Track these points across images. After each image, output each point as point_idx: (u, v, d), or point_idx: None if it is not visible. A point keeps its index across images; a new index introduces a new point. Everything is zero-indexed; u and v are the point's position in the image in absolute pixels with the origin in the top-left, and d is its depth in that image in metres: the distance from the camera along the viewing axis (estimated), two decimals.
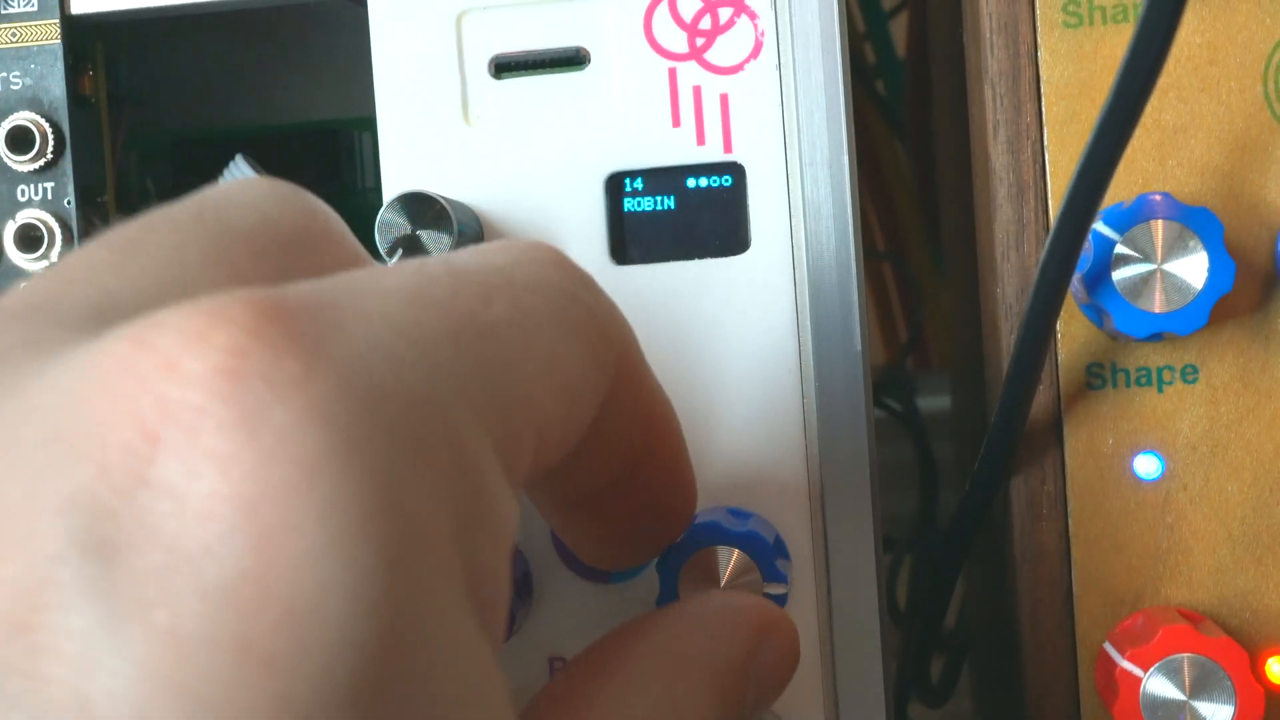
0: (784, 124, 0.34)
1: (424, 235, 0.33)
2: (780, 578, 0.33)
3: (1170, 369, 0.32)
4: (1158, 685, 0.30)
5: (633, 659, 0.26)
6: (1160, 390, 0.32)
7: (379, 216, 0.33)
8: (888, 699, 0.35)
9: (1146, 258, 0.30)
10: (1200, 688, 0.30)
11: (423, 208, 0.33)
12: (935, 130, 0.63)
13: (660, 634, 0.27)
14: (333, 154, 0.47)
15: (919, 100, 0.65)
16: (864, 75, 0.67)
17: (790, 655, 0.28)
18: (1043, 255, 0.29)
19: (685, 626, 0.27)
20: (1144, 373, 0.32)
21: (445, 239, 0.33)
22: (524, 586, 0.35)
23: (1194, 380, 0.32)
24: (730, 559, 0.32)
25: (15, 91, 0.37)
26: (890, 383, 0.67)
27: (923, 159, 0.67)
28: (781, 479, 0.35)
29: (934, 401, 0.65)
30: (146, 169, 0.46)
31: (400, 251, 0.33)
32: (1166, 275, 0.30)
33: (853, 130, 0.35)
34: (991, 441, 0.32)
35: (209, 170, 0.42)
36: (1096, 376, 0.33)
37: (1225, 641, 0.30)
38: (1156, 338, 0.31)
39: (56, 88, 0.37)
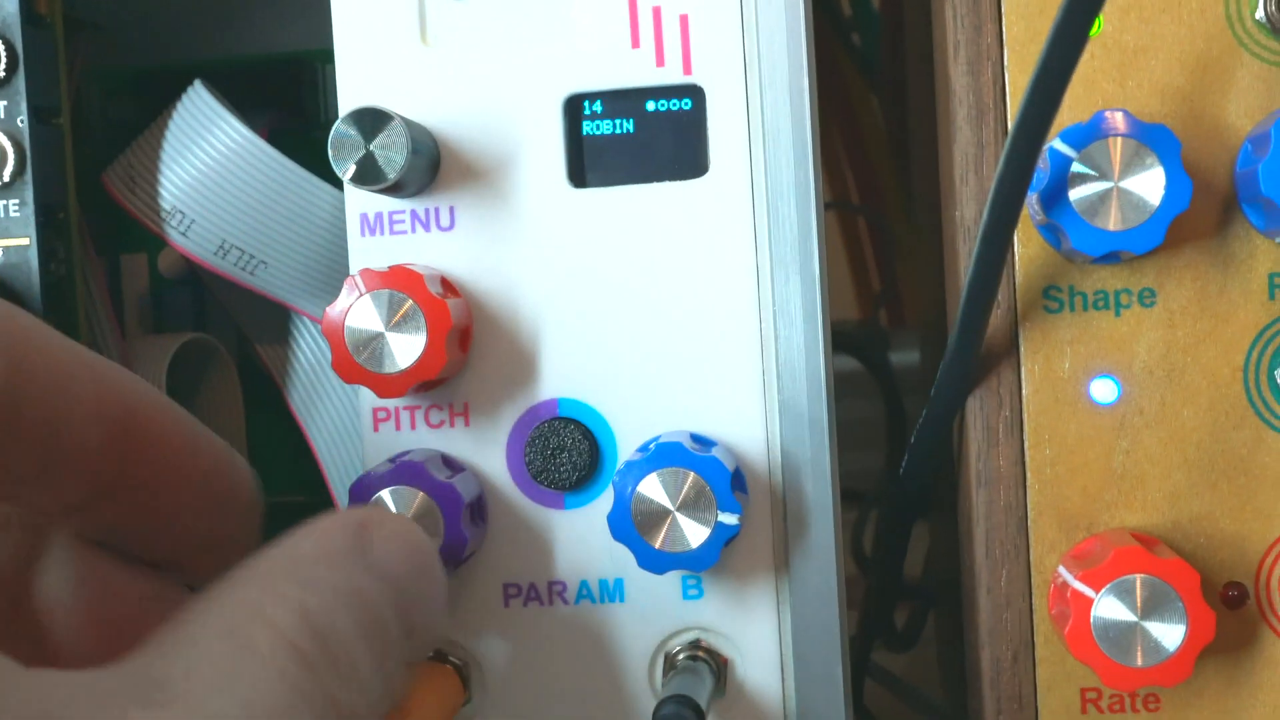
0: (744, 46, 0.34)
1: (378, 153, 0.33)
2: (734, 507, 0.32)
3: (1128, 292, 0.32)
4: (1109, 607, 0.30)
5: (224, 585, 0.25)
6: (1118, 314, 0.32)
7: (333, 130, 0.33)
8: (843, 639, 0.35)
9: (1103, 175, 0.30)
10: (1151, 609, 0.30)
11: (378, 123, 0.33)
12: (908, 83, 0.63)
13: (268, 551, 0.27)
14: (296, 86, 0.46)
15: (894, 53, 0.65)
16: (840, 28, 0.67)
17: (406, 545, 0.28)
18: (998, 170, 0.29)
19: (281, 542, 0.27)
20: (1101, 296, 0.32)
21: (399, 158, 0.33)
22: (478, 512, 0.34)
23: (1151, 304, 0.32)
24: (685, 481, 0.32)
25: None
26: (862, 337, 0.67)
27: (898, 113, 0.67)
28: (739, 407, 0.34)
29: (907, 357, 0.65)
30: (108, 100, 0.45)
31: (354, 169, 0.33)
32: (1123, 193, 0.30)
33: (813, 54, 0.34)
34: (948, 363, 0.32)
35: (169, 101, 0.42)
36: (1054, 299, 0.32)
37: (1177, 562, 0.30)
38: (1113, 258, 0.31)
39: (9, 4, 0.37)
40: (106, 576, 0.31)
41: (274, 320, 0.44)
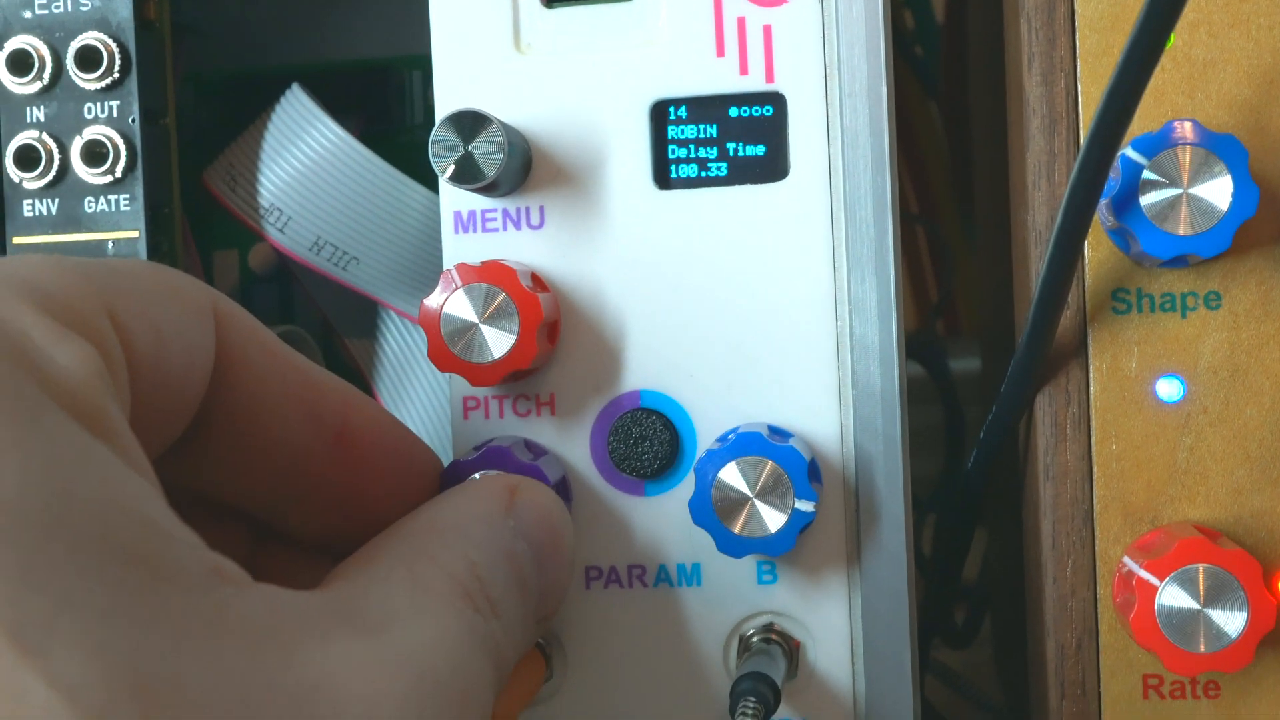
0: (824, 55, 0.36)
1: (476, 152, 0.34)
2: (810, 495, 0.34)
3: (1194, 295, 0.33)
4: (1173, 595, 0.31)
5: (395, 535, 0.28)
6: (1184, 316, 0.33)
7: (433, 134, 0.34)
8: (912, 627, 0.36)
9: (1173, 182, 0.31)
10: (1214, 597, 0.31)
11: (475, 125, 0.34)
12: (971, 98, 0.64)
13: (430, 508, 0.29)
14: (383, 92, 0.48)
15: (955, 66, 0.66)
16: (902, 40, 0.68)
17: (548, 511, 0.31)
18: (1071, 177, 0.30)
19: (442, 500, 0.29)
20: (1169, 298, 0.33)
21: (498, 156, 0.34)
22: (563, 493, 0.36)
23: (1217, 306, 0.33)
24: (764, 469, 0.34)
25: (84, 12, 0.39)
26: (922, 344, 0.68)
27: (957, 125, 0.68)
28: (815, 401, 0.36)
29: (963, 365, 0.66)
30: (202, 102, 0.47)
31: (453, 169, 0.34)
32: (1192, 199, 0.31)
33: (891, 62, 0.36)
34: (1018, 362, 0.33)
35: (262, 104, 0.44)
36: (1122, 301, 0.34)
37: (1239, 553, 0.31)
38: (1181, 262, 0.32)
39: (124, 9, 0.39)
40: (266, 557, 0.33)
41: (362, 315, 0.46)
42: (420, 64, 0.48)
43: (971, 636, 0.55)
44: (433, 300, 0.35)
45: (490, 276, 0.35)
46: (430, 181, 0.41)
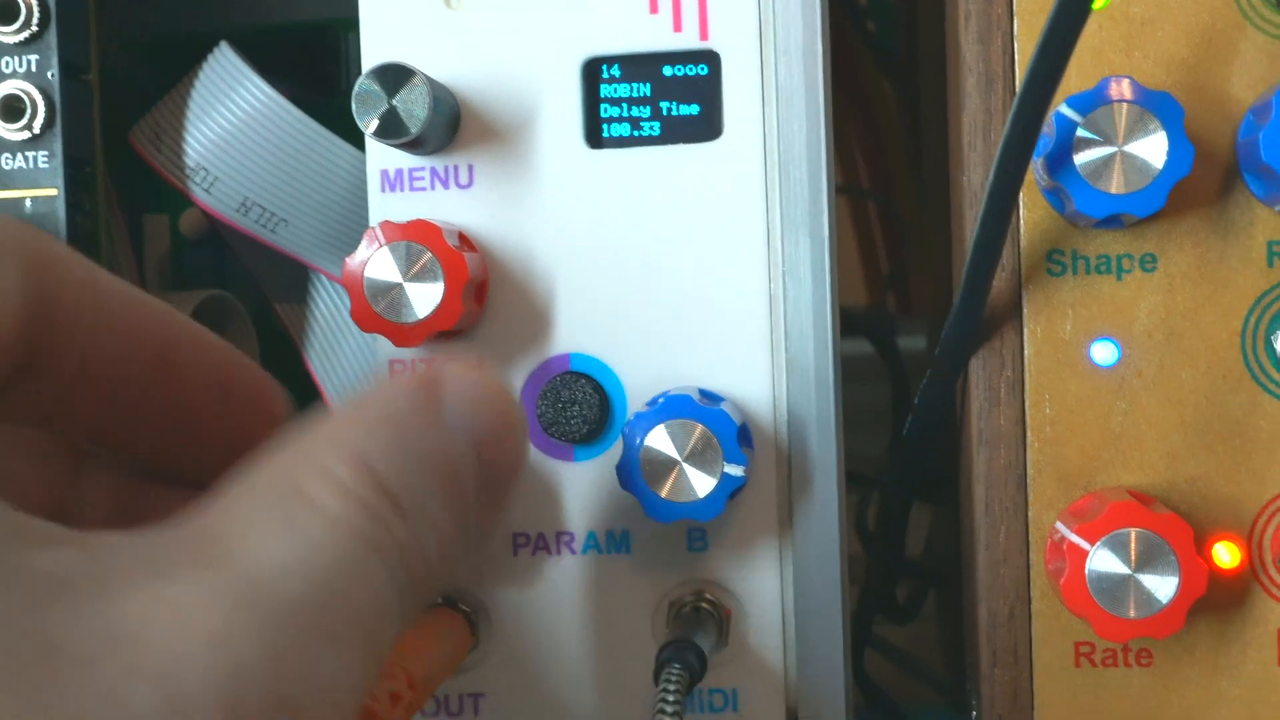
0: (759, 12, 0.35)
1: (401, 107, 0.34)
2: (740, 460, 0.33)
3: (1129, 257, 0.33)
4: (1104, 559, 0.31)
5: (273, 452, 0.24)
6: (1119, 278, 0.33)
7: (356, 86, 0.34)
8: (844, 594, 0.36)
9: (1107, 140, 0.30)
10: (1145, 562, 0.31)
11: (400, 78, 0.33)
12: (920, 71, 0.64)
13: (314, 423, 0.25)
14: (319, 54, 0.47)
15: (908, 40, 0.66)
16: (855, 14, 0.68)
17: (485, 397, 0.26)
18: (1004, 132, 0.29)
19: (338, 409, 0.26)
20: (1104, 260, 0.33)
21: (423, 111, 0.33)
22: None
23: (1152, 269, 0.33)
24: (694, 433, 0.33)
25: None
26: (871, 320, 0.68)
27: (911, 99, 0.67)
28: (747, 365, 0.35)
29: (914, 343, 0.65)
30: (136, 63, 0.46)
31: (377, 124, 0.34)
32: (1127, 157, 0.30)
33: (828, 20, 0.35)
34: (953, 323, 0.33)
35: (193, 67, 0.42)
36: (1057, 263, 0.33)
37: (1171, 517, 0.31)
38: (1116, 222, 0.32)
39: None
40: (147, 502, 0.31)
41: (293, 279, 0.45)
42: (355, 26, 0.47)
43: (914, 612, 0.54)
44: (356, 258, 0.34)
45: (415, 235, 0.34)
46: (362, 144, 0.40)
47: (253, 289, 0.47)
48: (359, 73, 0.45)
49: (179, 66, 0.43)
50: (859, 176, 0.70)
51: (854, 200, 0.71)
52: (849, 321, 0.65)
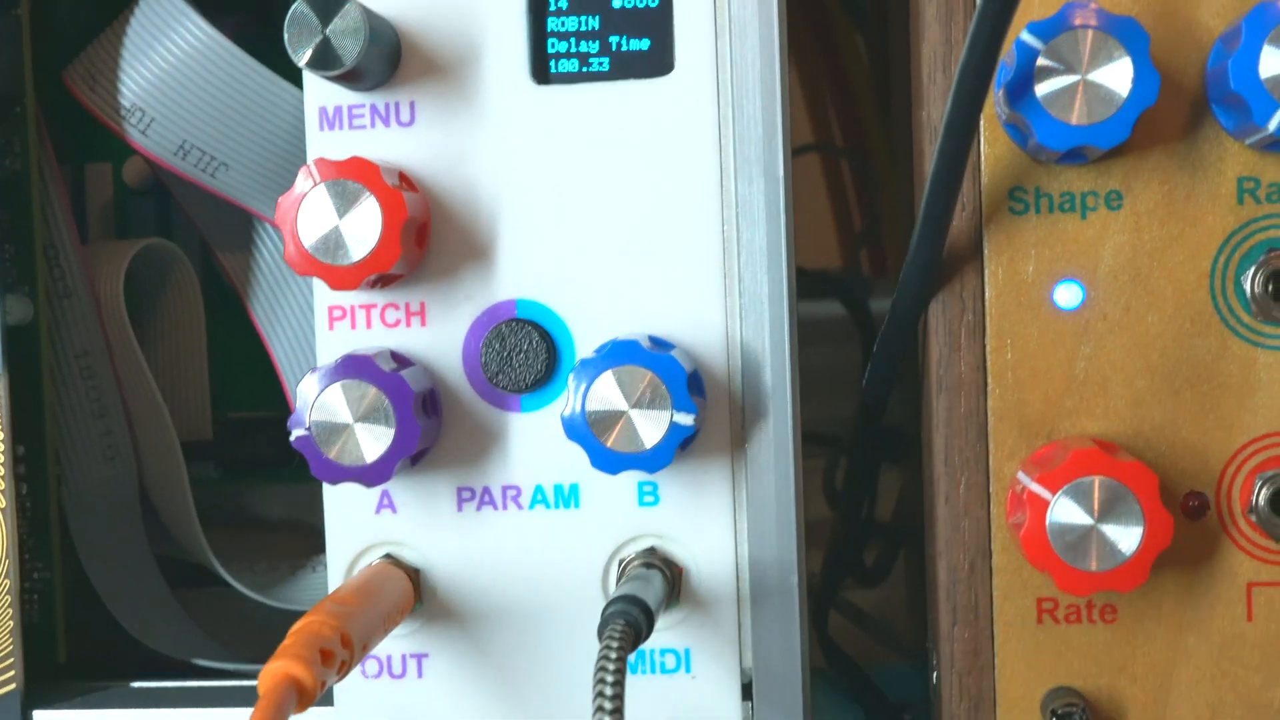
0: None
1: (334, 39, 0.32)
2: (690, 408, 0.32)
3: (1094, 194, 0.32)
4: (1066, 509, 0.29)
5: None
6: (1084, 216, 0.32)
7: (290, 10, 0.32)
8: (799, 547, 0.34)
9: (1070, 68, 0.29)
10: (1109, 511, 0.29)
11: (333, 6, 0.32)
12: (890, 25, 0.62)
13: None
14: None
15: None
16: None
17: None
18: (961, 58, 0.28)
19: None
20: (1067, 198, 0.32)
21: (358, 41, 0.32)
22: (430, 405, 0.34)
23: (1118, 207, 0.32)
24: (642, 380, 0.32)
25: None
26: (843, 281, 0.66)
27: (882, 53, 0.66)
28: (700, 310, 0.34)
29: (888, 305, 0.64)
30: (71, 3, 0.45)
31: (309, 54, 0.32)
32: (1090, 85, 0.29)
33: None
34: (910, 264, 0.32)
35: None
36: (1019, 201, 0.32)
37: (1136, 465, 0.29)
38: (1079, 156, 0.30)
39: None
40: None
41: (236, 227, 0.43)
42: None
43: (883, 575, 0.53)
44: (290, 197, 0.32)
45: (352, 172, 0.32)
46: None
47: (198, 241, 0.45)
48: None
49: (116, 3, 0.42)
50: (832, 134, 0.68)
51: (827, 159, 0.70)
52: (820, 282, 0.64)
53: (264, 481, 0.47)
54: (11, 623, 0.37)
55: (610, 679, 0.28)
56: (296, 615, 0.41)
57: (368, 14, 0.32)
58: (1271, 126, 0.29)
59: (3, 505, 0.36)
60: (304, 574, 0.43)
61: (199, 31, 0.39)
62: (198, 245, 0.45)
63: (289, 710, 0.28)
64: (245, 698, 0.38)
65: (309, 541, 0.46)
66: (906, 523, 0.53)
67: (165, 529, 0.43)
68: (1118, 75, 0.29)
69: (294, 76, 0.39)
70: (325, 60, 0.32)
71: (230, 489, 0.47)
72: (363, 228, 0.32)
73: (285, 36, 0.32)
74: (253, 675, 0.38)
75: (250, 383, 0.45)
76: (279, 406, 0.45)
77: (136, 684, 0.39)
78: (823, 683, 0.46)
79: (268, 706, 0.28)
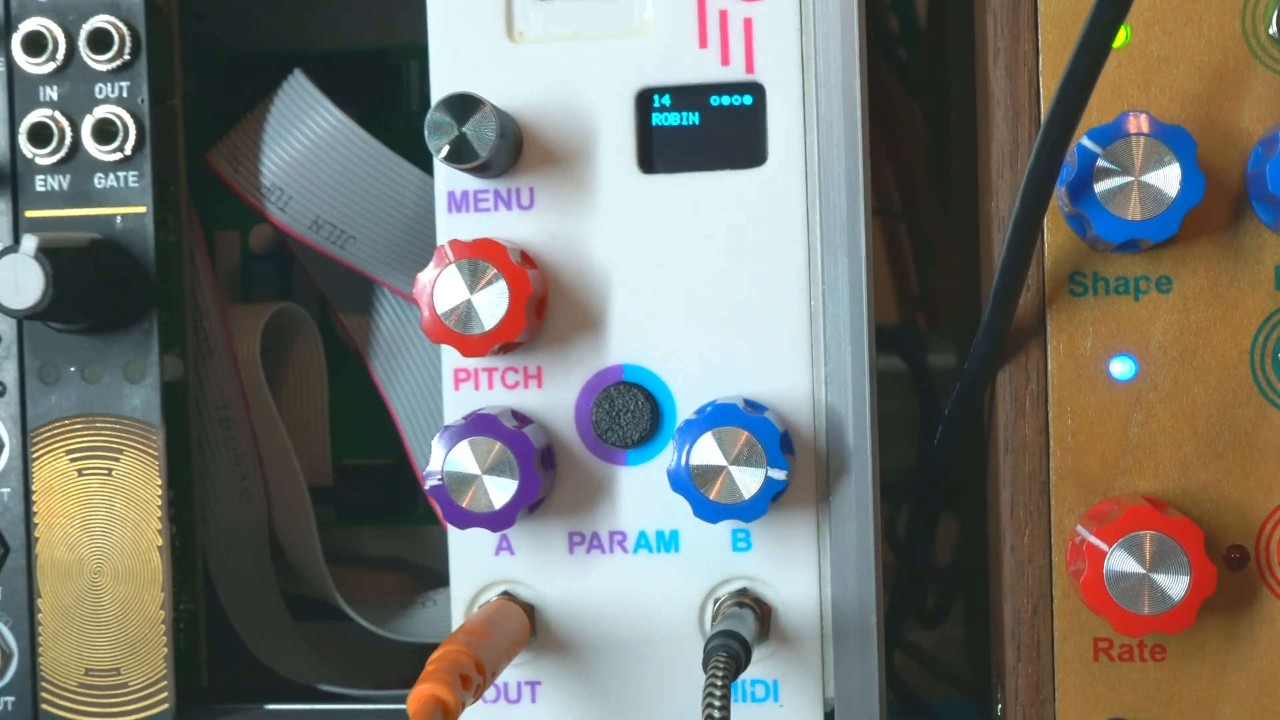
0: (802, 48, 0.37)
1: (470, 133, 0.36)
2: (783, 464, 0.36)
3: (1146, 279, 0.35)
4: (1120, 559, 0.33)
5: None
6: (1137, 298, 0.35)
7: (429, 115, 0.36)
8: (879, 593, 0.38)
9: (1125, 170, 0.33)
10: (1159, 562, 0.33)
11: (469, 107, 0.36)
12: (950, 98, 0.66)
13: None
14: (381, 79, 0.50)
15: (936, 69, 0.68)
16: (887, 43, 0.70)
17: None
18: (1030, 160, 0.32)
19: None
20: (1122, 282, 0.35)
21: (490, 137, 0.36)
22: (548, 459, 0.38)
23: (1168, 290, 0.35)
24: (739, 440, 0.36)
25: None
26: (902, 337, 0.70)
27: (939, 127, 0.70)
28: (790, 376, 0.38)
29: (941, 360, 0.67)
30: (205, 85, 0.49)
31: (447, 149, 0.36)
32: (1143, 186, 0.33)
33: (865, 55, 0.38)
34: (980, 339, 0.35)
35: (263, 88, 0.45)
36: (1079, 284, 0.36)
37: (1183, 521, 0.33)
38: (1133, 246, 0.34)
39: None
40: None
41: (358, 292, 0.47)
42: (417, 53, 0.50)
43: (943, 616, 0.57)
44: (427, 274, 0.37)
45: (481, 252, 0.36)
46: (426, 165, 0.43)
47: (315, 300, 0.49)
48: (418, 96, 0.49)
49: (249, 89, 0.46)
50: (890, 196, 0.72)
51: (885, 221, 0.73)
52: (882, 338, 0.68)
53: (374, 524, 0.51)
54: (166, 649, 0.41)
55: (718, 703, 0.32)
56: (410, 646, 0.46)
57: (498, 113, 0.36)
58: None
59: (161, 544, 0.41)
60: (415, 608, 0.47)
61: (332, 118, 0.44)
62: (316, 306, 0.49)
63: None
64: (369, 718, 0.42)
65: (415, 579, 0.50)
66: (964, 569, 0.57)
67: (290, 567, 0.47)
68: (1168, 178, 0.33)
69: (412, 155, 0.43)
70: (460, 155, 0.36)
71: (344, 531, 0.51)
72: (491, 302, 0.36)
73: (426, 133, 0.36)
74: (372, 700, 0.43)
75: (362, 432, 0.50)
76: (388, 454, 0.49)
77: (270, 706, 0.43)
78: (890, 715, 0.50)
79: None
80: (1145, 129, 0.33)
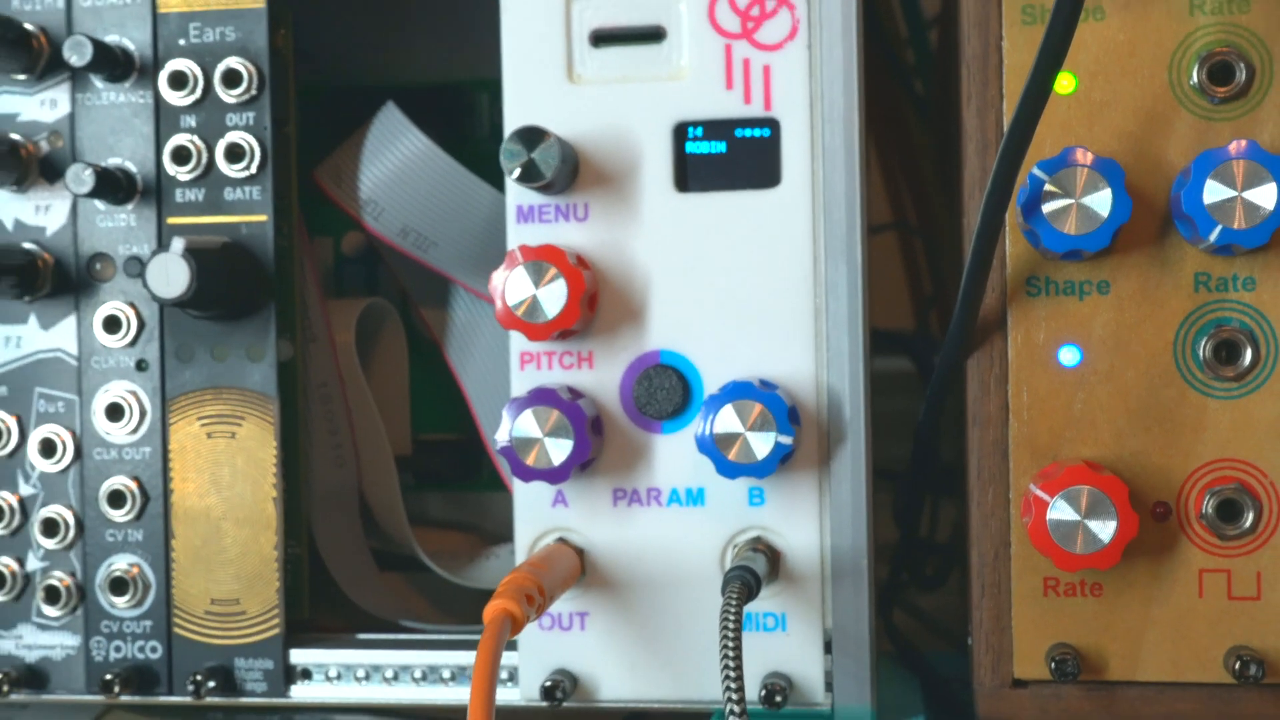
0: (810, 90, 0.45)
1: (538, 158, 0.44)
2: (789, 431, 0.44)
3: (1089, 283, 0.43)
4: (1060, 509, 0.41)
5: None
6: (1081, 298, 0.43)
7: (503, 145, 0.44)
8: (870, 544, 0.46)
9: (1067, 194, 0.41)
10: (1091, 510, 0.41)
11: (537, 137, 0.44)
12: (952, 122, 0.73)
13: None
14: (456, 109, 0.58)
15: (946, 98, 0.76)
16: (903, 75, 0.78)
17: None
18: (988, 186, 0.40)
19: None
20: (1070, 285, 0.43)
21: (554, 162, 0.44)
22: (597, 427, 0.46)
23: (1107, 292, 0.43)
24: (754, 410, 0.43)
25: (229, 41, 0.49)
26: (914, 341, 0.78)
27: (948, 148, 0.77)
28: (797, 361, 0.46)
29: None
30: (306, 113, 0.57)
31: (519, 171, 0.44)
32: (1081, 207, 0.41)
33: (863, 98, 0.45)
34: (953, 332, 0.43)
35: (354, 116, 0.54)
36: (1034, 286, 0.43)
37: (1111, 478, 0.41)
38: (1075, 255, 0.42)
39: (260, 39, 0.49)
40: None
41: (435, 289, 0.56)
42: (488, 87, 0.58)
43: (940, 582, 0.64)
44: (500, 273, 0.45)
45: (545, 255, 0.44)
46: (495, 183, 0.51)
47: (398, 296, 0.58)
48: (488, 124, 0.57)
49: (342, 116, 0.54)
50: (906, 213, 0.80)
51: (902, 235, 0.81)
52: (895, 342, 0.75)
53: (444, 490, 0.59)
54: (277, 584, 0.49)
55: (733, 617, 0.40)
56: (474, 592, 0.54)
57: (560, 142, 0.45)
58: (1212, 238, 0.40)
59: (275, 496, 0.49)
60: (480, 560, 0.56)
61: (419, 142, 0.52)
62: (399, 301, 0.58)
63: (506, 635, 0.40)
64: (442, 646, 0.50)
65: (479, 538, 0.59)
66: (961, 544, 0.65)
67: (375, 525, 0.55)
68: (1101, 201, 0.40)
69: (483, 174, 0.52)
70: (529, 175, 0.44)
71: (418, 496, 0.59)
72: (553, 296, 0.44)
73: (501, 158, 0.44)
74: (445, 633, 0.51)
75: (436, 410, 0.58)
76: (458, 430, 0.57)
77: (361, 635, 0.51)
78: (888, 661, 0.58)
79: (492, 631, 0.40)
80: (1085, 160, 0.41)
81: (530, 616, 0.41)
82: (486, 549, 0.56)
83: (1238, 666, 0.42)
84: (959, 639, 0.61)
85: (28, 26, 0.49)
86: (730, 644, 0.40)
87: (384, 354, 0.57)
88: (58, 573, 0.50)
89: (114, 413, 0.49)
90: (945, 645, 0.61)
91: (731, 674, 0.39)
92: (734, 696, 0.39)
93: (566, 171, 0.46)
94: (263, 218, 0.49)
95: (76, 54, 0.48)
